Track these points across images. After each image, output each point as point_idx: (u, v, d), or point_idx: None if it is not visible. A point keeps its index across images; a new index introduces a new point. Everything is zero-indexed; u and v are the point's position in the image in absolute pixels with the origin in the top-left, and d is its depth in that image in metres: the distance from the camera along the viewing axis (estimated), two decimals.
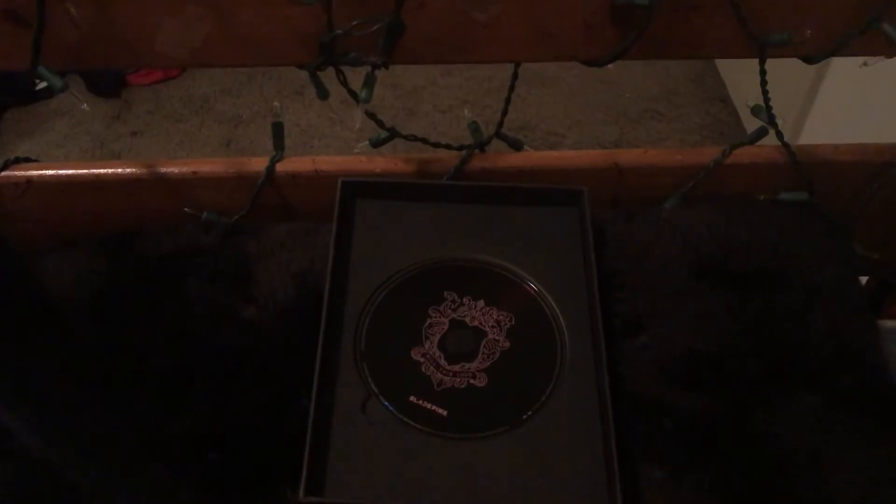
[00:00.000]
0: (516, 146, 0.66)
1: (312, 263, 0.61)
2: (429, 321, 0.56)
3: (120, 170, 0.63)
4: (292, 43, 0.54)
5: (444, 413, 0.52)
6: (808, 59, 0.58)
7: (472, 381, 0.54)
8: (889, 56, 0.57)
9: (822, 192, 0.64)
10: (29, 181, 0.63)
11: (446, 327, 0.56)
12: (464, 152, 0.63)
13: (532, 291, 0.57)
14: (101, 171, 0.63)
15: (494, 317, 0.56)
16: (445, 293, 0.57)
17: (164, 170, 0.63)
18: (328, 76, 0.57)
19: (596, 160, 0.64)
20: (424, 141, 0.64)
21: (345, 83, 0.56)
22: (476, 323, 0.56)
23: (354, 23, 0.52)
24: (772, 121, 0.61)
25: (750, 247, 0.61)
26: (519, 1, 0.53)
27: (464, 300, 0.57)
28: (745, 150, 0.64)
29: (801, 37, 0.55)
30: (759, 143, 0.64)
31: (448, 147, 0.65)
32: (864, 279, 0.72)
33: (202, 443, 0.53)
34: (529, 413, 0.52)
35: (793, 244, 0.61)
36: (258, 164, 0.63)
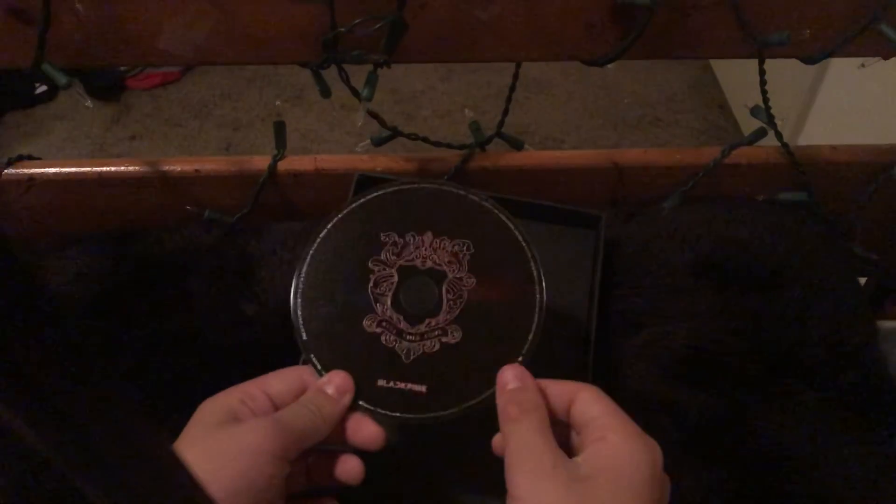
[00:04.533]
0: (517, 146, 0.66)
1: None
2: (373, 278, 0.46)
3: (122, 168, 0.63)
4: (295, 41, 0.54)
5: (423, 389, 0.44)
6: (807, 60, 0.58)
7: (444, 339, 0.44)
8: (887, 57, 0.57)
9: (821, 193, 0.64)
10: (31, 179, 0.63)
11: (396, 280, 0.46)
12: (465, 151, 0.63)
13: (487, 207, 0.47)
14: (104, 169, 0.63)
15: (448, 250, 0.46)
16: (382, 236, 0.46)
17: (166, 168, 0.63)
18: (329, 76, 0.57)
19: (596, 160, 0.64)
20: (426, 140, 0.64)
21: (347, 81, 0.57)
22: (430, 264, 0.46)
23: (357, 21, 0.52)
24: (770, 121, 0.61)
25: (748, 246, 0.61)
26: (520, 0, 0.53)
27: (406, 238, 0.46)
28: (744, 151, 0.64)
29: (800, 37, 0.55)
30: (759, 143, 0.64)
31: (449, 146, 0.65)
32: (862, 280, 0.73)
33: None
34: (519, 361, 0.44)
35: (791, 244, 0.62)
36: (260, 162, 0.64)
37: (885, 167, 0.63)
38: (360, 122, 0.57)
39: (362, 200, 0.47)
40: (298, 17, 0.53)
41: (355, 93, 0.57)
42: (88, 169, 0.63)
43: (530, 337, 0.44)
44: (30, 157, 0.64)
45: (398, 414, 0.44)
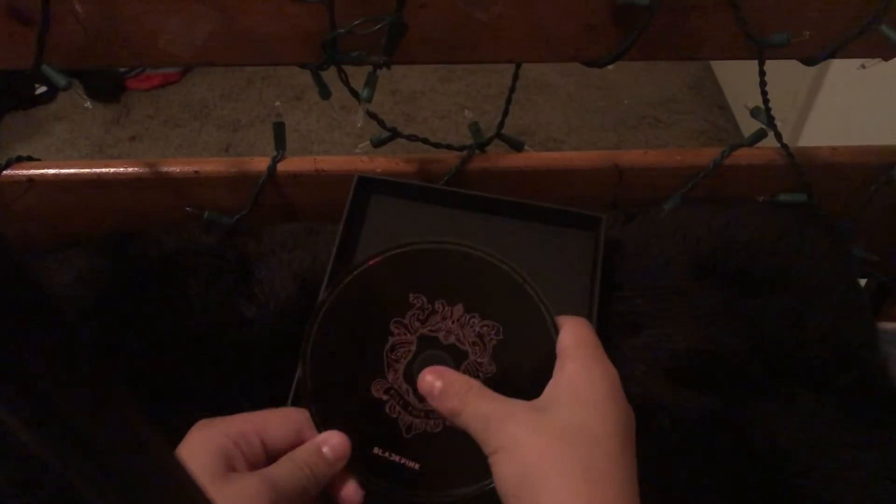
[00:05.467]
0: (517, 147, 0.66)
1: (313, 263, 0.62)
2: (391, 341, 0.43)
3: (121, 169, 0.63)
4: (295, 42, 0.54)
5: (416, 466, 0.42)
6: (807, 61, 0.58)
7: (448, 421, 0.42)
8: (887, 58, 0.57)
9: (821, 194, 0.64)
10: (31, 180, 0.63)
11: (414, 349, 0.43)
12: (464, 152, 0.63)
13: (528, 292, 0.44)
14: (103, 170, 0.63)
15: (476, 329, 0.43)
16: (412, 297, 0.44)
17: (165, 169, 0.63)
18: (329, 77, 0.57)
19: (596, 161, 0.64)
20: (425, 141, 0.64)
21: (346, 82, 0.57)
22: (453, 339, 0.43)
23: (357, 22, 0.52)
24: (770, 122, 0.61)
25: (749, 248, 0.61)
26: (520, 1, 0.53)
27: (436, 305, 0.43)
28: (744, 152, 0.64)
29: (800, 38, 0.55)
30: (759, 144, 0.64)
31: (449, 147, 0.65)
32: (862, 281, 0.73)
33: None
34: None
35: (791, 245, 0.62)
36: (260, 163, 0.63)
37: (885, 168, 0.63)
38: (360, 123, 0.57)
39: (401, 251, 0.44)
40: (298, 18, 0.53)
41: (355, 94, 0.57)
42: (88, 170, 0.63)
43: None
44: (29, 158, 0.64)
45: (385, 485, 0.42)
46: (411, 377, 0.43)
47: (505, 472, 0.37)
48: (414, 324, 0.43)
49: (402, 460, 0.42)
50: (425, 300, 0.44)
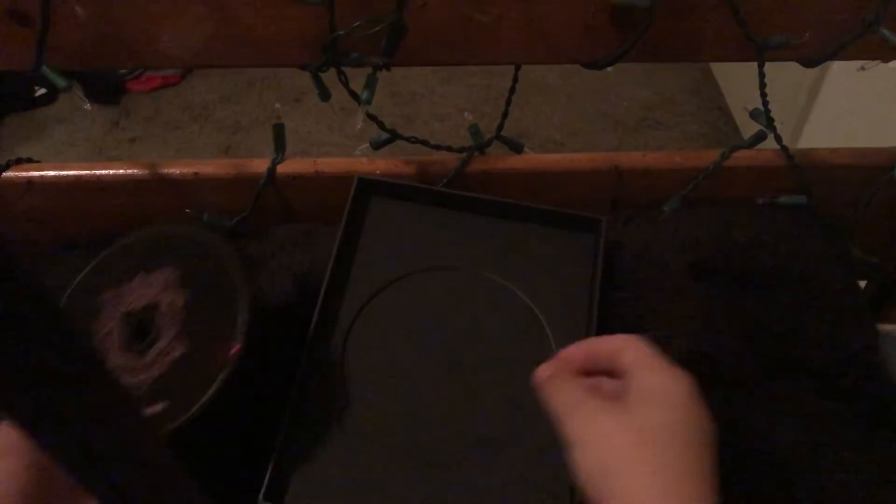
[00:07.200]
0: (516, 148, 0.66)
1: (313, 265, 0.62)
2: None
3: (121, 171, 0.63)
4: (295, 44, 0.54)
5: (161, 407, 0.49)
6: (807, 63, 0.58)
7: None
8: (886, 60, 0.57)
9: (821, 196, 0.64)
10: (30, 182, 0.63)
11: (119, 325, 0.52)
12: (464, 154, 0.63)
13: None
14: (103, 172, 0.63)
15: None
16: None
17: (165, 171, 0.63)
18: (329, 80, 0.57)
19: (596, 163, 0.64)
20: (425, 143, 0.64)
21: (346, 84, 0.57)
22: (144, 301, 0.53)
23: (356, 23, 0.52)
24: (770, 124, 0.61)
25: (748, 250, 0.61)
26: (519, 3, 0.53)
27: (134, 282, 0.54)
28: (744, 154, 0.64)
29: (800, 40, 0.55)
30: (759, 146, 0.64)
31: (449, 149, 0.65)
32: (862, 283, 0.73)
33: (201, 444, 0.53)
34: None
35: (791, 247, 0.62)
36: (259, 165, 0.63)
37: (884, 170, 0.63)
38: (359, 126, 0.57)
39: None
40: (298, 20, 0.53)
41: (354, 96, 0.57)
42: (88, 172, 0.63)
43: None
44: (29, 160, 0.64)
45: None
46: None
47: (587, 462, 0.38)
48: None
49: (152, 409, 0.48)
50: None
